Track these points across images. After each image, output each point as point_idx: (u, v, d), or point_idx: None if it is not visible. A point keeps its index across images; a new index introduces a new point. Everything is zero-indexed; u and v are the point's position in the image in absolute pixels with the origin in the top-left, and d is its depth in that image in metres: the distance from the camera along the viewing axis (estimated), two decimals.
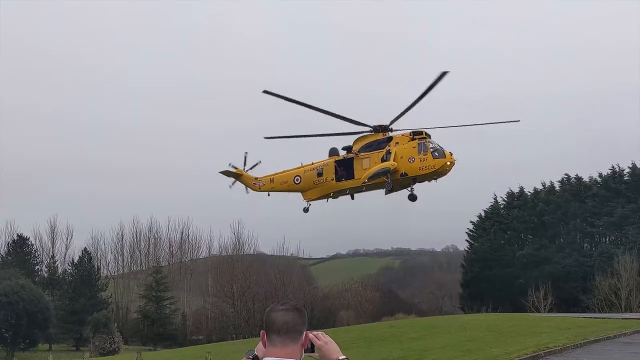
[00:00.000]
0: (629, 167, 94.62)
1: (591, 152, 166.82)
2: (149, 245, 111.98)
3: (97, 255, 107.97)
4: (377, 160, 36.58)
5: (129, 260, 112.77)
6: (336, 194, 38.94)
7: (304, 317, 4.60)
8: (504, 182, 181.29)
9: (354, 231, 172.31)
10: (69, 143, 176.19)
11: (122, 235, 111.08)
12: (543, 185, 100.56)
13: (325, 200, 39.37)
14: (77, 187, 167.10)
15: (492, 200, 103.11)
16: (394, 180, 35.93)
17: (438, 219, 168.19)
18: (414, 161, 35.45)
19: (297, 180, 39.55)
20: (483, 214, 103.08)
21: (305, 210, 39.60)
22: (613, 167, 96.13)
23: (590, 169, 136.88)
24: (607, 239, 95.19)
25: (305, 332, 4.59)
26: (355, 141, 38.27)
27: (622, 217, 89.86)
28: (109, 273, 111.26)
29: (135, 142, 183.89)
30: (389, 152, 36.32)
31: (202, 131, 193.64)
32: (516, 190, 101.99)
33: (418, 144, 35.73)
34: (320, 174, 38.74)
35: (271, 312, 4.57)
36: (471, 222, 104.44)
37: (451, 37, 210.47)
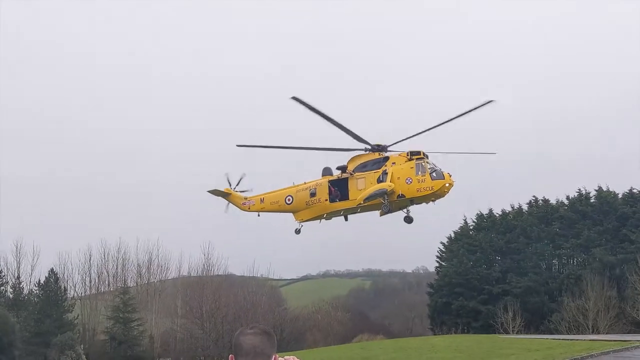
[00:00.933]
0: (595, 190, 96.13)
1: (558, 175, 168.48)
2: (117, 266, 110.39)
3: (63, 275, 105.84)
4: (373, 181, 35.81)
5: (97, 281, 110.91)
6: (330, 215, 38.00)
7: (272, 341, 4.48)
8: (474, 204, 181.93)
9: (324, 252, 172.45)
10: (36, 162, 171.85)
11: (90, 256, 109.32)
12: (512, 208, 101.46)
13: (318, 221, 38.48)
14: (44, 207, 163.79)
15: (462, 222, 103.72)
16: (392, 202, 35.14)
17: (408, 240, 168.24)
18: (411, 182, 34.74)
19: (289, 200, 38.58)
20: (453, 235, 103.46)
21: (297, 231, 38.50)
22: (580, 190, 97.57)
23: (558, 192, 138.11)
24: (575, 261, 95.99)
25: (274, 356, 4.47)
26: (350, 160, 37.47)
27: (588, 239, 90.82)
28: (75, 294, 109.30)
29: (104, 162, 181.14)
30: (385, 173, 35.55)
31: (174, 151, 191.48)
32: (485, 212, 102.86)
33: (416, 164, 35.03)
34: (313, 194, 37.84)
35: (239, 336, 4.44)
36: (441, 243, 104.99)
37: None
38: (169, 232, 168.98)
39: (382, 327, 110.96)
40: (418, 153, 35.48)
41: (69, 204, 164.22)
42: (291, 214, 38.89)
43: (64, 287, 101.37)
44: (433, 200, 35.70)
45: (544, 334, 77.19)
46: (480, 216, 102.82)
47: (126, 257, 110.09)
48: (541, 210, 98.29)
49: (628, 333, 72.37)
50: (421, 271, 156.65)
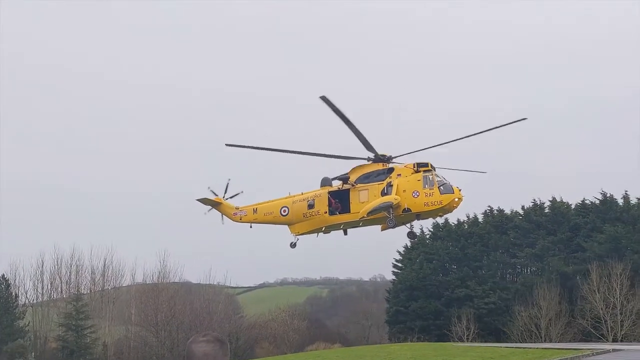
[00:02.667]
0: (549, 200, 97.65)
1: (513, 185, 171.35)
2: (70, 272, 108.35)
3: (14, 282, 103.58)
4: (376, 193, 34.22)
5: (49, 287, 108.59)
6: (328, 229, 36.30)
7: (225, 349, 4.51)
8: None
9: (282, 259, 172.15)
10: None
11: (42, 262, 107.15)
12: (467, 217, 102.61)
13: (316, 235, 36.86)
14: None
15: (419, 231, 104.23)
16: (397, 217, 33.75)
17: (366, 248, 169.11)
18: (418, 196, 33.29)
19: (285, 211, 36.77)
20: (409, 244, 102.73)
21: (293, 245, 36.67)
22: (534, 200, 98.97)
23: (513, 202, 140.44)
24: (529, 270, 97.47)
25: None
26: (352, 170, 35.77)
27: (542, 248, 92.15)
28: (27, 301, 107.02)
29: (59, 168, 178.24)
30: (390, 185, 34.04)
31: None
32: (441, 221, 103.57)
33: (423, 177, 33.64)
34: (311, 206, 35.97)
35: (192, 344, 4.47)
36: (398, 251, 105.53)
37: None
38: (124, 238, 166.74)
39: (339, 335, 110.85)
40: (425, 165, 34.18)
41: (20, 207, 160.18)
42: (286, 226, 37.11)
43: (15, 293, 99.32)
44: (440, 216, 35.27)
45: (497, 342, 77.94)
46: (436, 225, 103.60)
47: (80, 263, 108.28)
48: (497, 220, 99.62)
49: (579, 342, 73.33)
50: (378, 279, 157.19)
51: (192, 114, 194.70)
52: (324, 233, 36.82)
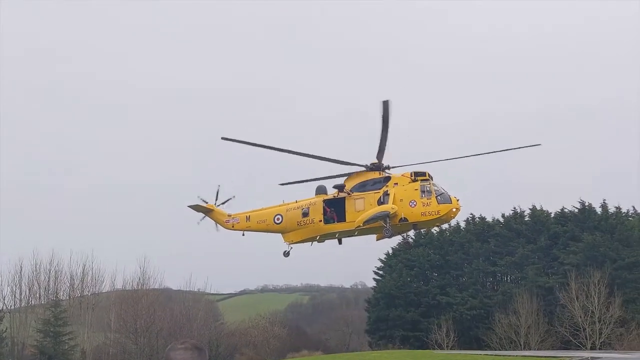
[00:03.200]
0: (529, 208, 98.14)
1: (495, 193, 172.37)
2: (49, 278, 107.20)
3: None
4: (372, 202, 33.99)
5: (27, 293, 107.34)
6: (323, 238, 36.01)
7: (203, 356, 4.61)
8: None
9: (263, 266, 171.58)
10: None
11: (21, 268, 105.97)
12: (449, 225, 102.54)
13: (310, 244, 36.52)
14: None
15: (400, 238, 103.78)
16: (393, 226, 33.44)
17: (348, 255, 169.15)
18: (415, 205, 33.11)
19: (278, 219, 36.49)
20: (391, 251, 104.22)
21: (286, 254, 36.43)
22: (515, 208, 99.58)
23: (494, 210, 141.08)
24: (509, 278, 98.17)
25: None
26: (348, 179, 35.57)
27: (522, 256, 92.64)
28: (4, 307, 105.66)
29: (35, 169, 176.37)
30: (386, 194, 33.75)
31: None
32: None
33: (420, 186, 33.45)
34: (305, 214, 35.67)
35: (170, 351, 4.56)
36: (379, 259, 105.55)
37: None
38: (104, 243, 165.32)
39: (320, 342, 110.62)
40: (423, 174, 34.02)
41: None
42: (280, 234, 36.89)
43: None
44: (438, 226, 36.13)
45: (477, 349, 78.46)
46: (417, 232, 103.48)
47: (59, 269, 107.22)
48: (478, 228, 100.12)
49: (558, 349, 74.20)
50: (359, 286, 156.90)
51: (179, 113, 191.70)
52: (318, 242, 36.59)
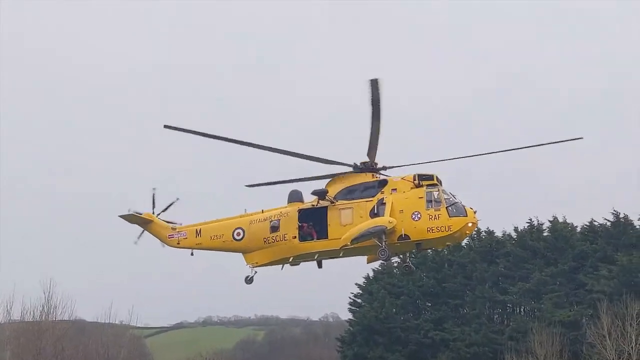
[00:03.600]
0: (549, 220, 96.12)
1: (506, 200, 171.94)
2: None
3: None
4: (363, 213, 33.73)
5: None
6: (297, 260, 35.62)
7: None
8: None
9: (206, 293, 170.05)
10: None
11: None
12: None
13: (280, 267, 36.24)
14: None
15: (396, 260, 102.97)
16: (390, 245, 32.76)
17: (316, 279, 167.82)
18: (420, 218, 32.86)
19: (239, 234, 36.54)
20: (371, 274, 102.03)
21: (248, 280, 36.21)
22: (531, 220, 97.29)
23: (504, 222, 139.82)
24: (522, 310, 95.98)
25: None
26: (331, 182, 35.27)
27: (539, 282, 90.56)
28: None
29: None
30: (382, 203, 33.55)
31: None
32: None
33: (426, 193, 33.18)
34: (275, 228, 35.57)
35: None
36: (356, 284, 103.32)
37: None
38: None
39: None
40: (430, 177, 33.57)
41: None
42: (241, 254, 36.82)
43: None
44: (448, 245, 35.30)
45: None
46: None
47: None
48: (484, 246, 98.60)
49: None
50: (330, 319, 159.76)
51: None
52: (291, 265, 36.12)
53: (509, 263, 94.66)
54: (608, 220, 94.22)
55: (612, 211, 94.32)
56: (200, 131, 33.47)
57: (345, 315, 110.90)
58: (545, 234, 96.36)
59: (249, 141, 34.27)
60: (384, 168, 34.75)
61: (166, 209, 38.36)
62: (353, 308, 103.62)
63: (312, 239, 34.72)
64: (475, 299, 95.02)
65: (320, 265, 36.39)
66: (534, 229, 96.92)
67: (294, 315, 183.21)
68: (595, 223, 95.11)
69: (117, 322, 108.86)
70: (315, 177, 35.45)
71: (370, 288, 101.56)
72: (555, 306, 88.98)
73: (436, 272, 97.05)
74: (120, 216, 38.27)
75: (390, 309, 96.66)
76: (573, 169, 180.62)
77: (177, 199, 38.81)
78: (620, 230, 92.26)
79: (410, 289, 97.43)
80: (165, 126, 32.63)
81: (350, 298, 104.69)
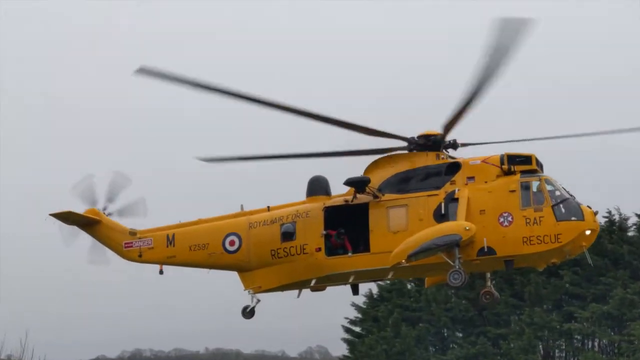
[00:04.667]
0: (637, 214, 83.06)
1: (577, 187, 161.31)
2: None
3: None
4: (424, 215, 29.23)
5: None
6: (323, 282, 31.25)
7: None
8: None
9: (136, 318, 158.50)
10: None
11: None
12: None
13: (296, 294, 32.59)
14: None
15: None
16: (466, 263, 28.22)
17: (294, 300, 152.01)
18: (511, 223, 28.35)
19: (233, 243, 32.04)
20: (376, 290, 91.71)
21: (248, 312, 32.11)
22: (610, 213, 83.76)
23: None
24: (596, 343, 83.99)
25: None
26: (372, 167, 31.05)
27: (622, 302, 77.09)
28: None
29: None
30: (453, 199, 29.05)
31: None
32: None
33: (522, 183, 28.64)
34: (288, 235, 30.98)
35: None
36: (353, 305, 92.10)
37: None
38: None
39: None
40: (526, 160, 28.90)
41: None
42: (236, 273, 32.75)
43: None
44: (554, 263, 29.67)
45: None
46: None
47: None
48: None
49: None
50: (316, 356, 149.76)
51: None
52: (313, 290, 32.06)
53: (577, 276, 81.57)
54: None
55: None
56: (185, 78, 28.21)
57: (338, 350, 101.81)
58: (630, 234, 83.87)
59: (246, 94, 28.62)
60: (454, 145, 30.19)
61: (112, 197, 33.33)
62: (349, 337, 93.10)
63: (346, 253, 29.92)
64: (527, 327, 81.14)
65: (356, 292, 33.22)
66: (614, 227, 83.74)
67: (262, 350, 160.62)
68: None
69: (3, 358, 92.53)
70: (340, 151, 30.47)
71: (374, 312, 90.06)
72: None
73: (470, 289, 79.90)
74: (52, 215, 33.02)
75: (405, 342, 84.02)
76: None
77: (129, 180, 33.52)
78: None
79: (434, 313, 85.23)
80: (139, 70, 27.55)
81: (344, 325, 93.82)
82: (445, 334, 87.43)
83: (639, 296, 77.31)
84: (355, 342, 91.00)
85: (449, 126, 29.61)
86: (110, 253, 34.00)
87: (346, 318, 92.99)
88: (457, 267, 27.59)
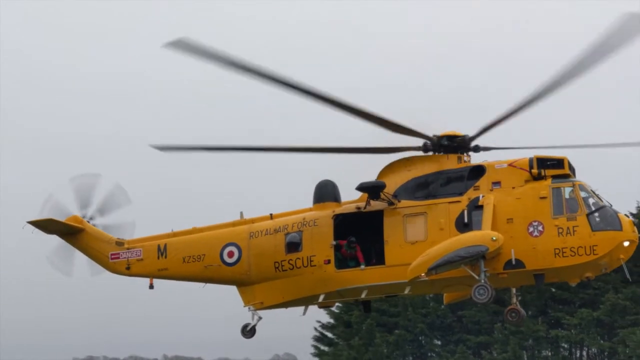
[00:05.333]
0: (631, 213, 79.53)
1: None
2: None
3: None
4: (445, 224, 28.06)
5: None
6: (332, 298, 30.33)
7: None
8: None
9: (70, 327, 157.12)
10: None
11: None
12: None
13: (302, 311, 31.68)
14: None
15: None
16: (492, 277, 27.05)
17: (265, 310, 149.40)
18: (542, 233, 27.22)
19: (232, 255, 31.02)
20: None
21: (249, 331, 30.96)
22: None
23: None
24: (585, 352, 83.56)
25: None
26: (387, 169, 29.85)
27: (614, 309, 75.64)
28: None
29: None
30: (477, 206, 27.91)
31: None
32: None
33: (553, 189, 27.60)
34: (294, 246, 30.02)
35: None
36: (324, 310, 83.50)
37: None
38: None
39: None
40: (558, 163, 27.82)
41: None
42: (235, 287, 31.72)
43: None
44: (589, 278, 27.88)
45: None
46: None
47: None
48: None
49: None
50: None
51: None
52: (320, 307, 31.73)
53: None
54: None
55: None
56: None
57: (303, 358, 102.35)
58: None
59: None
60: (477, 149, 28.94)
61: (105, 212, 32.68)
62: (320, 346, 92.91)
63: (358, 266, 28.89)
64: (510, 334, 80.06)
65: (368, 309, 33.01)
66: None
67: (225, 358, 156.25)
68: None
69: None
70: (346, 148, 29.08)
71: (347, 317, 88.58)
72: (638, 346, 73.62)
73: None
74: (30, 222, 31.62)
75: (380, 350, 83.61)
76: None
77: (100, 173, 32.77)
78: None
79: (410, 320, 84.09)
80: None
81: (316, 331, 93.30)
82: (422, 341, 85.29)
83: (631, 302, 75.43)
84: (325, 351, 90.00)
85: (487, 128, 28.23)
86: (82, 261, 32.29)
87: (318, 322, 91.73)
88: (483, 281, 26.21)
